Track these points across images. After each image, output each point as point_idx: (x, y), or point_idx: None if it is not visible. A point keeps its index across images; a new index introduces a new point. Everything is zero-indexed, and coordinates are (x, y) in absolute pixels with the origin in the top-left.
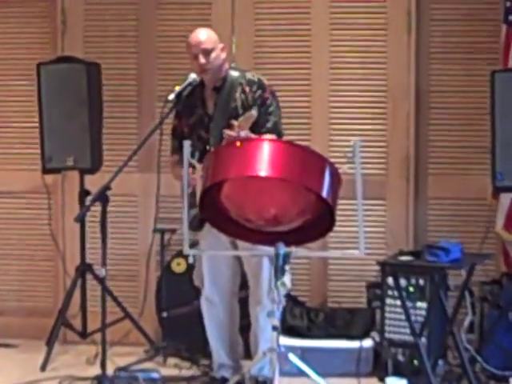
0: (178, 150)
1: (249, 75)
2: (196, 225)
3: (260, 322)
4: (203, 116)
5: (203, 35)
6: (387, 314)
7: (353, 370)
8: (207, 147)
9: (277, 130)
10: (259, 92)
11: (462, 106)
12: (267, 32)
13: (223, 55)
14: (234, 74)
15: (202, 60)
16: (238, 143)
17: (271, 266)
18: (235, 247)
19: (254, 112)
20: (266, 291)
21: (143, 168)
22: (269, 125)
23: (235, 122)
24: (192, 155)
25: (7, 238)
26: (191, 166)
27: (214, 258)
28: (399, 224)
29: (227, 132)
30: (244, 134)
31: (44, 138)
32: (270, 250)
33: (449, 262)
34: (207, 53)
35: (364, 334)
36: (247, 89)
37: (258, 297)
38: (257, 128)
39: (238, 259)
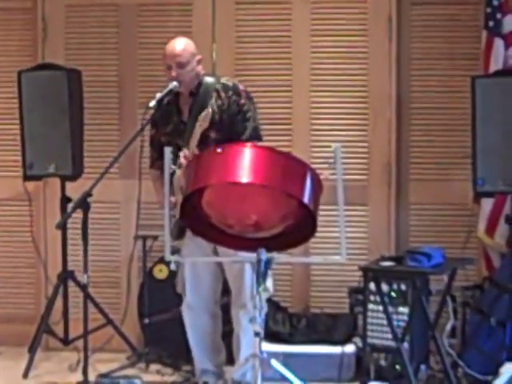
0: (157, 160)
1: (223, 80)
2: (176, 234)
3: (243, 325)
4: (179, 124)
5: (179, 47)
6: (369, 319)
7: (335, 376)
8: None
9: (256, 136)
10: (234, 97)
11: (442, 112)
12: (248, 39)
13: (199, 68)
14: (209, 79)
15: (174, 73)
16: (219, 149)
17: (253, 271)
18: (217, 255)
19: (208, 110)
20: (249, 295)
21: (124, 175)
22: (247, 132)
23: (186, 151)
24: (174, 163)
25: None
26: (172, 173)
27: (195, 265)
28: (381, 229)
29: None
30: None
31: (25, 145)
32: (252, 255)
33: (430, 267)
34: (181, 66)
35: (346, 340)
36: (223, 94)
37: (241, 301)
38: (235, 136)
39: (220, 266)
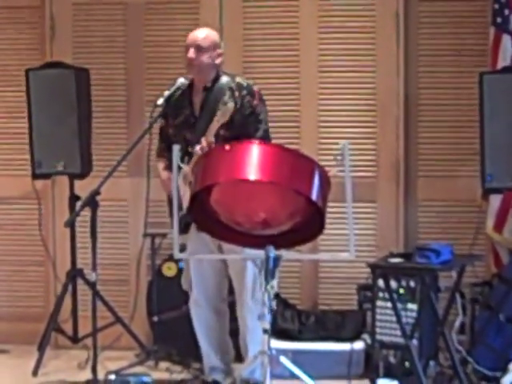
0: (164, 152)
1: (238, 79)
2: (181, 228)
3: (247, 324)
4: (189, 117)
5: (203, 33)
6: (378, 316)
7: (344, 373)
8: (189, 149)
9: (266, 138)
10: (248, 97)
11: (450, 108)
12: (256, 37)
13: (217, 60)
14: (225, 77)
15: (191, 54)
16: (227, 147)
17: (255, 268)
18: (221, 251)
19: (230, 104)
20: (251, 293)
21: (133, 173)
22: (259, 133)
23: (203, 141)
24: (181, 160)
25: None
26: (179, 169)
27: (200, 261)
28: (389, 226)
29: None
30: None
31: (33, 143)
32: (257, 252)
33: (439, 264)
34: (199, 49)
35: (355, 337)
36: (236, 93)
37: (243, 299)
38: (246, 136)
39: (224, 263)
